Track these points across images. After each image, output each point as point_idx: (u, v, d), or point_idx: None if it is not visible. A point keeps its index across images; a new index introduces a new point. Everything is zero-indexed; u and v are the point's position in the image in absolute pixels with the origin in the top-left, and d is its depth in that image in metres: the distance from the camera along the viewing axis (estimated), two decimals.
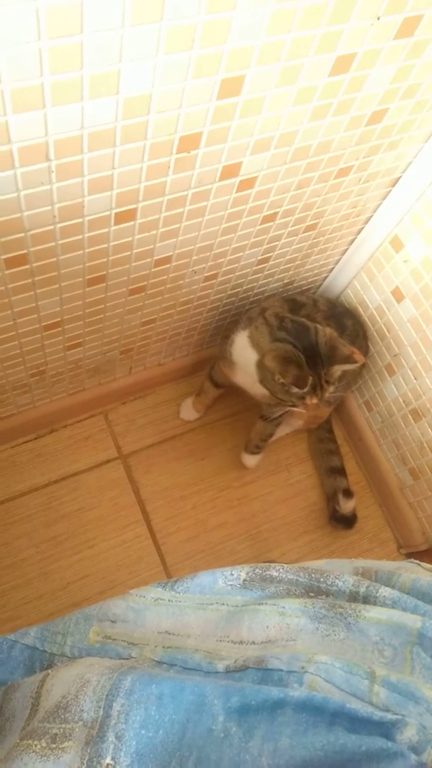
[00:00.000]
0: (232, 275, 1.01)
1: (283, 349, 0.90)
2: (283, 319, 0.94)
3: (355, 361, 0.90)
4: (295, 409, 0.96)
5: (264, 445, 1.24)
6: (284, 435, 1.31)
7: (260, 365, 0.95)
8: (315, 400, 0.93)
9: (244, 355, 0.98)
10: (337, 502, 1.23)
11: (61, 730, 0.42)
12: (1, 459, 1.19)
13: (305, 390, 0.88)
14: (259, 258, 1.00)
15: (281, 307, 1.01)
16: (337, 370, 0.92)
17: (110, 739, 0.41)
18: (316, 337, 0.91)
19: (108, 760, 0.41)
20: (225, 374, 1.09)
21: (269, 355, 0.91)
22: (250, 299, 1.13)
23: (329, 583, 0.57)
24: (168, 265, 0.88)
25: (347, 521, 1.25)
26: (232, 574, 0.58)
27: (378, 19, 0.60)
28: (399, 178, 0.94)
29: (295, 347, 0.90)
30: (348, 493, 1.23)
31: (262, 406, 1.12)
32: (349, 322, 1.09)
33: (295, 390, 0.89)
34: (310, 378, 0.87)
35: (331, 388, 0.94)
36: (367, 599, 0.55)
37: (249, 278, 1.05)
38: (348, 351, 0.91)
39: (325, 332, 0.92)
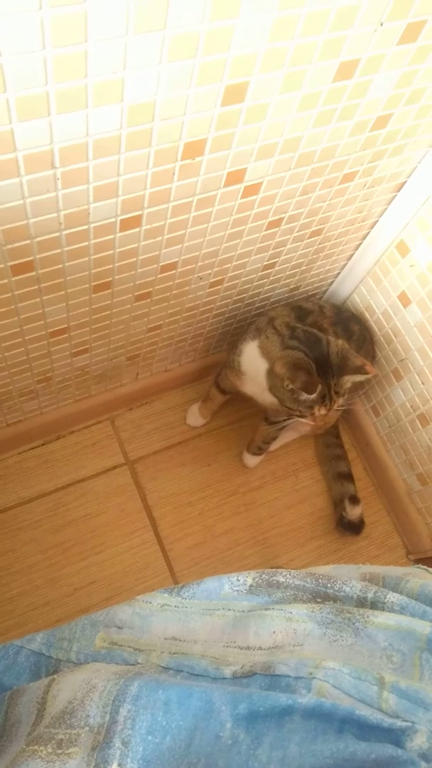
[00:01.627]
0: (237, 281, 1.02)
1: (294, 355, 0.90)
2: (294, 329, 0.94)
3: (367, 373, 0.90)
4: (302, 420, 0.96)
5: (266, 447, 1.24)
6: (291, 440, 1.31)
7: (270, 373, 0.95)
8: (323, 411, 0.92)
9: (254, 364, 0.98)
10: (344, 509, 1.23)
11: (67, 736, 0.42)
12: (8, 465, 1.20)
13: (314, 396, 0.88)
14: (265, 264, 1.00)
15: (288, 315, 1.01)
16: (348, 381, 0.92)
17: (117, 744, 0.41)
18: (328, 348, 0.91)
19: (114, 766, 0.40)
20: (232, 382, 1.09)
21: (279, 361, 0.91)
22: (256, 305, 1.14)
23: (336, 588, 0.56)
24: (173, 272, 0.89)
25: (355, 527, 1.24)
26: (238, 580, 0.58)
27: (381, 24, 0.60)
28: (404, 182, 0.94)
29: (306, 355, 0.90)
30: (354, 500, 1.23)
31: (268, 411, 1.12)
32: (355, 327, 1.09)
33: (304, 397, 0.89)
34: (320, 386, 0.87)
35: (341, 400, 0.93)
36: (375, 605, 0.54)
37: (254, 284, 1.06)
38: (360, 362, 0.90)
39: (337, 343, 0.92)
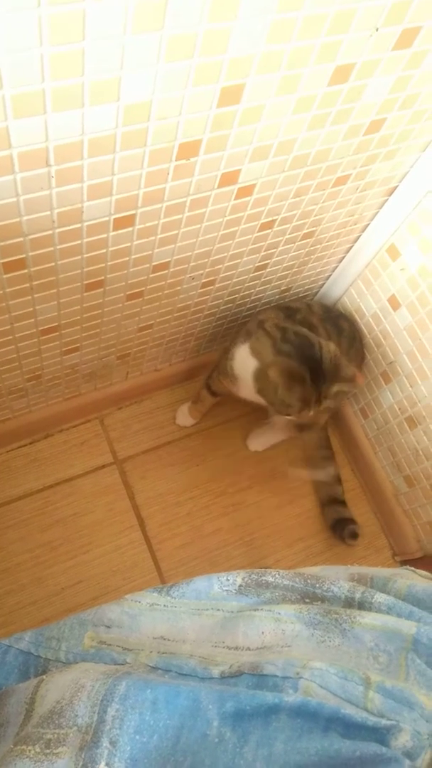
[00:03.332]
0: (229, 282, 1.02)
1: (289, 365, 0.90)
2: (285, 330, 0.93)
3: (357, 384, 0.91)
4: (288, 417, 0.96)
5: (327, 453, 1.25)
6: (280, 441, 1.31)
7: (259, 375, 0.94)
8: (310, 413, 0.93)
9: (246, 367, 0.98)
10: (343, 535, 1.24)
11: (56, 736, 0.42)
12: None
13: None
14: (257, 265, 1.01)
15: (277, 317, 1.01)
16: (336, 387, 0.92)
17: (104, 744, 0.41)
18: (320, 353, 0.91)
19: (102, 766, 0.40)
20: (227, 388, 1.08)
21: (274, 368, 0.90)
22: (247, 306, 1.14)
23: (325, 588, 0.57)
24: (166, 271, 0.89)
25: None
26: (227, 580, 0.58)
27: (377, 30, 0.61)
28: (396, 187, 0.95)
29: (300, 362, 0.90)
30: (354, 535, 1.25)
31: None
32: (345, 324, 1.10)
33: (293, 401, 0.89)
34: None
35: (327, 402, 0.94)
36: (362, 605, 0.55)
37: (246, 285, 1.06)
38: (351, 372, 0.91)
39: (330, 348, 0.92)
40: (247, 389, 1.01)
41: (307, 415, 0.93)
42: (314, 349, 0.91)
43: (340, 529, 1.25)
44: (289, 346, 0.91)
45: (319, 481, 1.29)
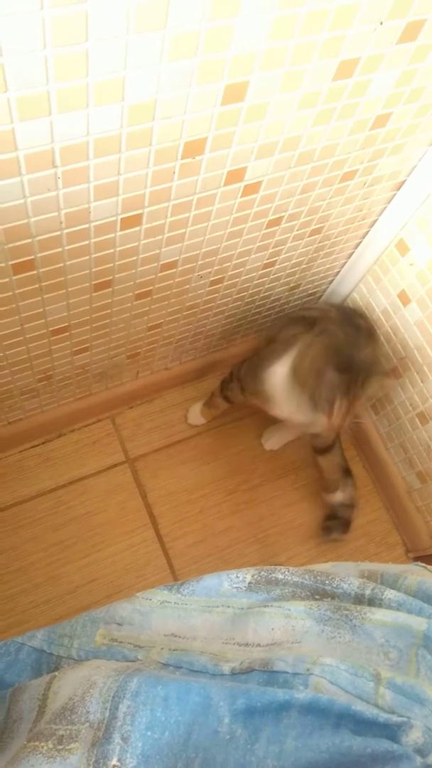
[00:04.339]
0: (237, 280, 1.02)
1: (329, 340, 0.88)
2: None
3: (392, 379, 0.89)
4: (322, 426, 0.93)
5: (339, 477, 1.23)
6: (291, 439, 1.31)
7: (293, 369, 0.91)
8: (344, 408, 0.89)
9: (281, 376, 0.93)
10: (329, 530, 1.24)
11: (68, 732, 0.43)
12: (9, 463, 1.20)
13: (340, 383, 0.86)
14: (265, 262, 1.00)
15: (306, 329, 0.97)
16: (374, 382, 0.90)
17: (116, 740, 0.42)
18: (355, 349, 0.89)
19: (114, 762, 0.41)
20: (255, 406, 1.06)
21: (316, 343, 0.88)
22: (256, 303, 1.14)
23: (334, 585, 0.57)
24: (174, 270, 0.89)
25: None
26: (237, 577, 0.59)
27: (381, 23, 0.60)
28: (404, 181, 0.95)
29: (333, 352, 0.88)
30: (347, 526, 1.25)
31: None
32: (362, 322, 1.08)
33: (330, 376, 0.86)
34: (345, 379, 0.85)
35: (357, 405, 0.91)
36: (372, 602, 0.55)
37: (255, 282, 1.06)
38: (387, 367, 0.89)
39: (368, 345, 0.90)
40: (280, 404, 0.96)
41: (340, 417, 0.90)
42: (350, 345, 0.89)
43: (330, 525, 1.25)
44: (325, 337, 0.89)
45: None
